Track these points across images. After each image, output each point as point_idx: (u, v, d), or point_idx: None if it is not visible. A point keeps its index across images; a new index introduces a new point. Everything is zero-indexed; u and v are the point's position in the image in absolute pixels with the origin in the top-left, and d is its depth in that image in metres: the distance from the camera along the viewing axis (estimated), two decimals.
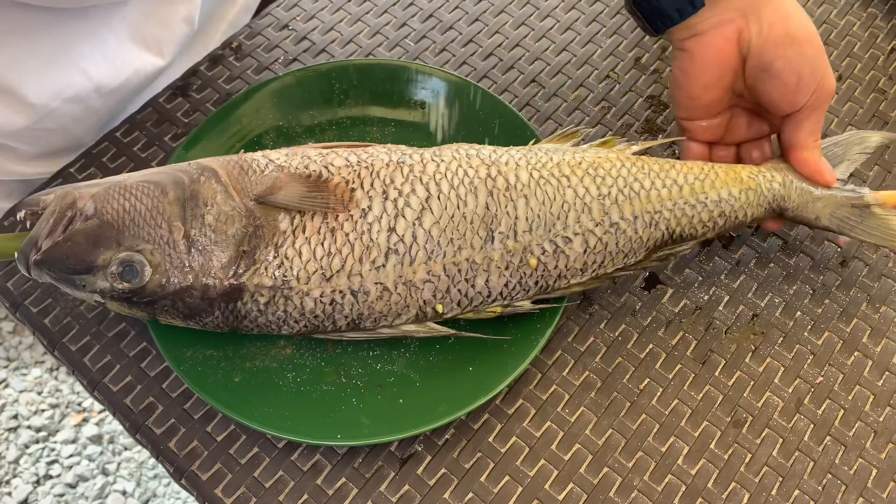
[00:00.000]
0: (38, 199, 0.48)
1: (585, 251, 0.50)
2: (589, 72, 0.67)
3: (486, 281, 0.49)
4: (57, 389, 1.27)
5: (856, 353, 0.55)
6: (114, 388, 0.52)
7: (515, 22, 0.69)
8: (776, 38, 0.52)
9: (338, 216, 0.48)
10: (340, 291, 0.48)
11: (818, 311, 0.57)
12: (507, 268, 0.49)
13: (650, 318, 0.56)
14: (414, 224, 0.48)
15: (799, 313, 0.57)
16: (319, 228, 0.48)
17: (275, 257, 0.47)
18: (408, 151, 0.51)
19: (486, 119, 0.59)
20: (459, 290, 0.49)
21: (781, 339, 0.55)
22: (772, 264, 0.58)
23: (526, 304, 0.51)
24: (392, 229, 0.48)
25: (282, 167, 0.49)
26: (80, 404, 1.26)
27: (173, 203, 0.47)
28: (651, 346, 0.55)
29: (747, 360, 0.54)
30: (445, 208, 0.48)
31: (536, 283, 0.50)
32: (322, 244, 0.47)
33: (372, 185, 0.49)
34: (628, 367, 0.54)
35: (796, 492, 0.50)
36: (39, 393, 1.27)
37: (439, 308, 0.49)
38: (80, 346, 0.53)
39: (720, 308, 0.56)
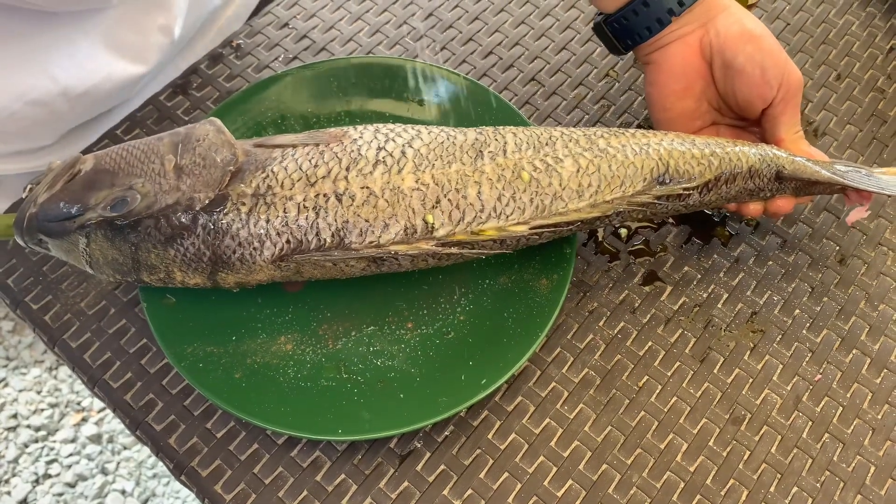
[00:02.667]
0: (48, 167, 0.49)
1: (578, 171, 0.49)
2: (588, 70, 0.67)
3: (478, 193, 0.47)
4: (56, 389, 1.27)
5: (854, 351, 0.55)
6: (114, 385, 0.52)
7: (515, 21, 0.69)
8: (734, 36, 0.54)
9: (329, 143, 0.48)
10: (325, 195, 0.46)
11: (817, 308, 0.57)
12: (498, 180, 0.48)
13: (649, 315, 0.56)
14: (403, 146, 0.48)
15: (798, 311, 0.57)
16: (309, 151, 0.48)
17: (261, 173, 0.47)
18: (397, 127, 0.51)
19: (485, 117, 0.59)
20: (450, 201, 0.47)
21: (780, 336, 0.56)
22: (770, 262, 0.59)
23: (521, 228, 0.48)
24: (381, 147, 0.48)
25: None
26: (79, 403, 1.26)
27: (167, 145, 0.48)
28: (650, 343, 0.55)
29: (746, 357, 0.55)
30: (435, 137, 0.49)
31: (531, 200, 0.48)
32: (309, 160, 0.47)
33: (365, 127, 0.50)
34: (627, 364, 0.54)
35: (795, 489, 0.50)
36: (39, 392, 1.27)
37: (429, 219, 0.47)
38: (80, 343, 0.54)
39: (719, 305, 0.57)
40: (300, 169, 0.46)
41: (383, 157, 0.47)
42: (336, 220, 0.46)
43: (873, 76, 0.68)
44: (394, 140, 0.48)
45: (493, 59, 0.67)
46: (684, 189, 0.51)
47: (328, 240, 0.46)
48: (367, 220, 0.46)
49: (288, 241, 0.46)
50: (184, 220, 0.46)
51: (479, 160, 0.48)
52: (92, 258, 0.48)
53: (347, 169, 0.46)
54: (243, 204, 0.46)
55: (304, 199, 0.46)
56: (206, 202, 0.46)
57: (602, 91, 0.66)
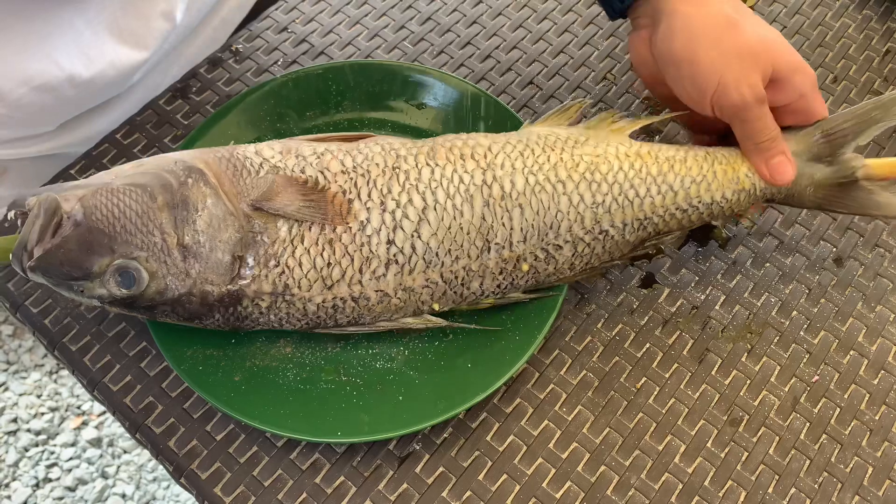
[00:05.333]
0: (25, 199, 0.47)
1: (574, 255, 0.52)
2: (586, 73, 0.67)
3: (481, 284, 0.51)
4: (56, 393, 1.27)
5: (851, 352, 0.56)
6: (113, 388, 0.52)
7: (513, 24, 0.70)
8: (661, 54, 0.53)
9: (336, 228, 0.48)
10: (342, 298, 0.49)
11: (814, 310, 0.57)
12: (500, 273, 0.51)
13: (647, 317, 0.56)
14: (412, 236, 0.49)
15: (795, 312, 0.57)
16: (318, 239, 0.48)
17: (275, 266, 0.47)
18: (402, 153, 0.50)
19: (484, 119, 0.60)
20: (455, 292, 0.51)
21: (778, 338, 0.56)
22: (768, 264, 0.59)
23: (518, 295, 0.52)
24: (391, 242, 0.48)
25: (277, 168, 0.49)
26: (79, 407, 1.26)
27: (163, 209, 0.47)
28: (648, 345, 0.55)
29: (744, 359, 0.55)
30: (442, 219, 0.49)
31: (527, 282, 0.52)
32: (322, 255, 0.48)
33: (369, 195, 0.49)
34: (625, 366, 0.54)
35: (793, 490, 0.50)
36: (39, 396, 1.27)
37: (436, 306, 0.51)
38: (80, 346, 0.54)
39: (717, 307, 0.57)
40: (315, 268, 0.48)
41: (394, 255, 0.49)
42: (353, 314, 0.50)
43: (870, 79, 0.69)
44: (402, 227, 0.48)
45: (491, 63, 0.67)
46: (667, 240, 0.55)
47: (345, 323, 0.50)
48: (380, 312, 0.50)
49: (307, 324, 0.50)
50: (201, 308, 0.48)
51: (484, 254, 0.50)
52: (107, 309, 0.51)
53: (361, 271, 0.48)
54: (262, 300, 0.48)
55: (323, 301, 0.49)
56: (222, 297, 0.47)
57: (600, 94, 0.66)
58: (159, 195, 0.47)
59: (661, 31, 0.53)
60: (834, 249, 0.60)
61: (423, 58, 0.67)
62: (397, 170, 0.49)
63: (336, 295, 0.48)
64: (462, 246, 0.49)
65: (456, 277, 0.50)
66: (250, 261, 0.47)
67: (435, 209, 0.49)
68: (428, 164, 0.50)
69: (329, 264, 0.48)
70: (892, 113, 0.53)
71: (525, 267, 0.51)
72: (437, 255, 0.49)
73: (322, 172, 0.49)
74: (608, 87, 0.67)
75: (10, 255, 0.47)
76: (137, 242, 0.46)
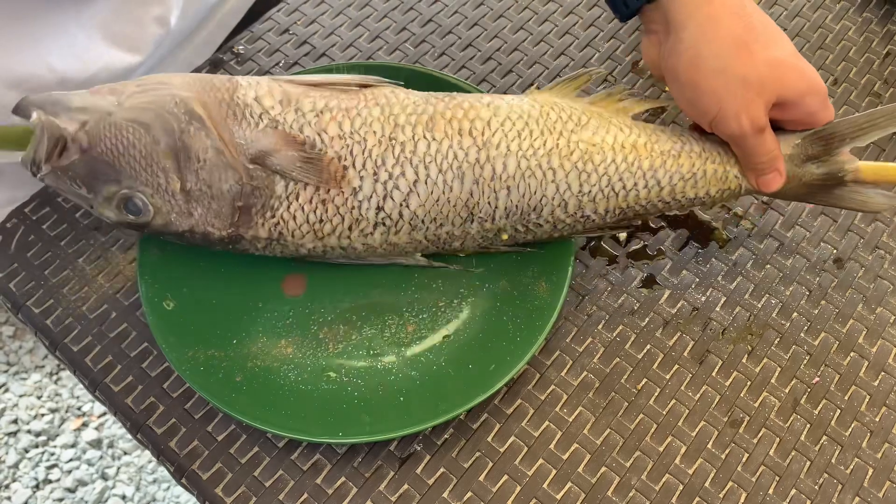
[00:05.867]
0: (28, 109, 0.47)
1: (553, 230, 0.54)
2: None
3: (462, 244, 0.54)
4: (56, 394, 1.27)
5: (852, 354, 0.56)
6: (115, 389, 0.52)
7: (514, 27, 0.70)
8: (666, 69, 0.52)
9: (329, 190, 0.50)
10: (331, 246, 0.52)
11: (814, 312, 0.57)
12: (481, 238, 0.54)
13: (648, 318, 0.56)
14: (401, 205, 0.50)
15: (795, 314, 0.57)
16: (311, 198, 0.50)
17: (271, 217, 0.50)
18: (401, 121, 0.50)
19: None
20: (437, 248, 0.54)
21: (778, 339, 0.56)
22: (768, 266, 0.59)
23: (498, 246, 0.54)
24: (380, 208, 0.50)
25: (276, 122, 0.49)
26: (79, 408, 1.26)
27: (167, 154, 0.48)
28: (648, 346, 0.55)
29: (744, 360, 0.55)
30: (431, 192, 0.50)
31: (507, 246, 0.55)
32: (314, 212, 0.50)
33: (364, 165, 0.50)
34: (626, 367, 0.54)
35: (793, 491, 0.50)
36: (39, 397, 1.27)
37: (418, 257, 0.55)
38: (81, 347, 0.54)
39: (717, 309, 0.57)
40: (307, 222, 0.50)
41: (382, 219, 0.51)
42: (341, 257, 0.54)
43: (870, 81, 0.69)
44: (392, 197, 0.50)
45: (493, 65, 0.67)
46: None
47: (335, 259, 0.54)
48: (368, 258, 0.54)
49: (299, 258, 0.54)
50: (203, 241, 0.51)
51: (467, 223, 0.52)
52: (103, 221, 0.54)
53: (350, 228, 0.51)
54: (258, 242, 0.51)
55: (314, 247, 0.52)
56: (222, 237, 0.50)
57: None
58: (162, 139, 0.48)
59: (669, 46, 0.52)
60: (834, 251, 0.60)
61: (424, 59, 0.67)
62: (393, 141, 0.50)
63: (326, 244, 0.52)
64: (447, 216, 0.51)
65: (438, 238, 0.53)
66: (249, 210, 0.50)
67: (426, 183, 0.50)
68: (425, 138, 0.50)
69: (321, 220, 0.50)
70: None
71: (505, 236, 0.53)
72: (422, 221, 0.51)
73: (320, 135, 0.50)
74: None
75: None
76: (143, 180, 0.48)
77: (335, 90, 0.52)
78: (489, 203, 0.51)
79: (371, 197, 0.50)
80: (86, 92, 0.49)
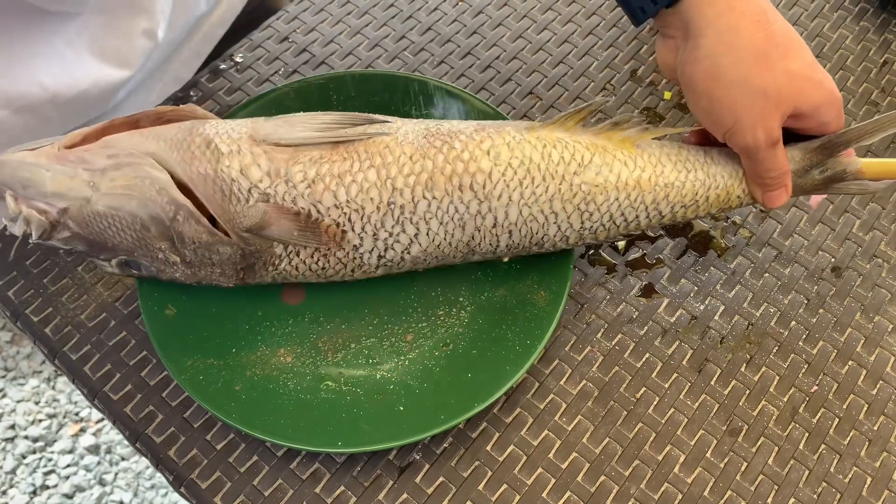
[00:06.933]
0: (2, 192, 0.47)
1: (551, 250, 0.54)
2: (585, 84, 0.68)
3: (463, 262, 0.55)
4: (54, 399, 1.27)
5: (850, 363, 0.56)
6: (114, 397, 0.52)
7: (513, 35, 0.70)
8: (683, 76, 0.51)
9: (329, 246, 0.50)
10: (335, 281, 0.53)
11: (813, 320, 0.57)
12: (481, 263, 0.56)
13: (646, 327, 0.56)
14: (402, 253, 0.51)
15: (794, 323, 0.57)
16: (312, 254, 0.50)
17: (273, 269, 0.51)
18: (398, 184, 0.48)
19: None
20: (437, 269, 0.55)
21: (776, 348, 0.56)
22: (767, 274, 0.59)
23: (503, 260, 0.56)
24: (382, 256, 0.51)
25: (266, 195, 0.47)
26: (77, 414, 1.26)
27: (159, 238, 0.48)
28: (647, 355, 0.55)
29: (743, 369, 0.55)
30: (433, 240, 0.51)
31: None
32: (317, 262, 0.51)
33: (363, 228, 0.49)
34: (625, 376, 0.54)
35: (792, 500, 0.51)
36: (37, 403, 1.27)
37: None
38: (80, 355, 0.54)
39: (716, 317, 0.57)
40: (310, 270, 0.51)
41: (384, 262, 0.52)
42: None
43: (867, 90, 0.69)
44: (393, 248, 0.50)
45: (492, 73, 0.68)
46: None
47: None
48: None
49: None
50: (213, 285, 0.52)
51: (468, 256, 0.53)
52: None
53: (353, 271, 0.52)
54: (265, 281, 0.52)
55: (318, 281, 0.53)
56: (230, 285, 0.52)
57: (599, 105, 0.66)
58: (152, 227, 0.47)
59: (687, 52, 0.50)
60: (832, 260, 0.60)
61: (423, 68, 0.67)
62: (392, 205, 0.49)
63: (330, 280, 0.53)
64: (448, 255, 0.52)
65: (439, 269, 0.55)
66: (253, 266, 0.50)
67: (427, 234, 0.50)
68: (425, 198, 0.49)
69: (323, 268, 0.51)
70: None
71: (506, 259, 0.56)
72: (424, 260, 0.52)
73: (315, 206, 0.48)
74: (607, 98, 0.67)
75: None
76: (141, 254, 0.49)
77: (323, 148, 0.49)
78: (490, 244, 0.52)
79: (372, 250, 0.50)
80: (55, 164, 0.47)
